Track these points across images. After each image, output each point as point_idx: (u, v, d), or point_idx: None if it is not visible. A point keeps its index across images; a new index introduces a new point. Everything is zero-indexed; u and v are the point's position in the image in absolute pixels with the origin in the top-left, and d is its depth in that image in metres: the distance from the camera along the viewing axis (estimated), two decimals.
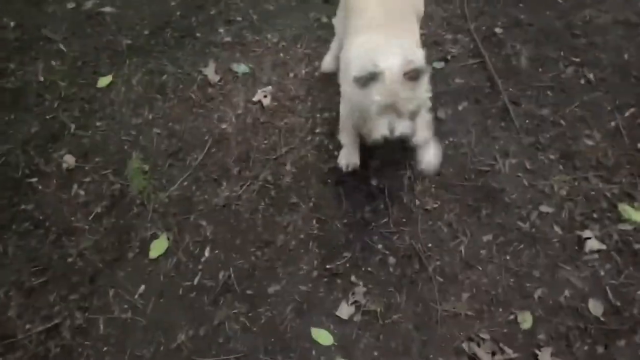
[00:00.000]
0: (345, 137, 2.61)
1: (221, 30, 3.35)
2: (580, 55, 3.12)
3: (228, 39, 3.29)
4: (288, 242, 2.44)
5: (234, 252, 2.43)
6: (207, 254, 2.43)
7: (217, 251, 2.44)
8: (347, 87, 2.35)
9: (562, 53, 3.14)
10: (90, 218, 2.55)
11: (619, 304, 2.21)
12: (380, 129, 2.07)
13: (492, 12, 3.42)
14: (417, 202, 2.51)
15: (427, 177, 2.59)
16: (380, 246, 2.40)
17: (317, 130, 2.82)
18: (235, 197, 2.57)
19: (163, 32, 3.34)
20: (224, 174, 2.66)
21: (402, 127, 2.05)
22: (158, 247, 2.44)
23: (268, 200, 2.55)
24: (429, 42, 3.26)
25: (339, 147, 2.69)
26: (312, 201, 2.54)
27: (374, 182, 2.59)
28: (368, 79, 1.99)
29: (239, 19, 3.41)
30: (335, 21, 2.91)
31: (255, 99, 2.97)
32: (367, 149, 2.66)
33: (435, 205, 2.49)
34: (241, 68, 3.12)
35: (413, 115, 2.10)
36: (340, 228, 2.45)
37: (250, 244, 2.45)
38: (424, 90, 2.08)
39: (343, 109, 2.50)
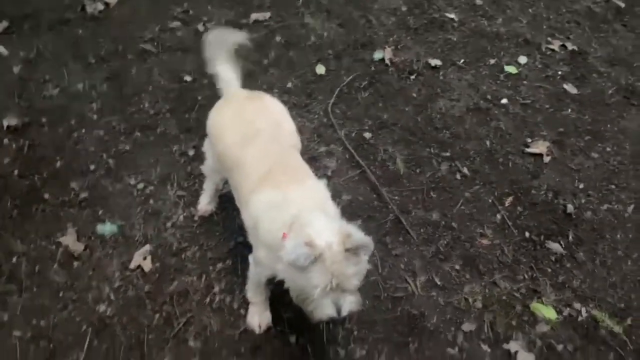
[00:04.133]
0: (254, 296, 2.36)
1: (73, 184, 2.90)
2: (449, 149, 3.23)
3: (84, 194, 2.86)
4: None
5: None
6: None
7: None
8: (261, 253, 2.10)
9: (431, 150, 3.23)
10: None
11: None
12: (325, 311, 1.85)
13: (356, 116, 3.44)
14: (344, 353, 2.32)
15: (347, 318, 2.42)
16: None
17: (215, 289, 2.51)
18: None
19: (1, 202, 2.80)
20: None
21: (349, 304, 1.86)
22: None
23: None
24: (306, 158, 3.14)
25: (244, 303, 2.43)
26: None
27: (292, 340, 2.35)
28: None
29: (92, 167, 3.00)
30: (205, 169, 2.66)
31: (132, 265, 2.58)
32: (277, 300, 2.43)
33: (364, 352, 2.32)
34: (107, 228, 2.72)
35: (357, 288, 1.93)
36: None
37: None
38: (366, 259, 1.92)
39: (253, 271, 2.25)
